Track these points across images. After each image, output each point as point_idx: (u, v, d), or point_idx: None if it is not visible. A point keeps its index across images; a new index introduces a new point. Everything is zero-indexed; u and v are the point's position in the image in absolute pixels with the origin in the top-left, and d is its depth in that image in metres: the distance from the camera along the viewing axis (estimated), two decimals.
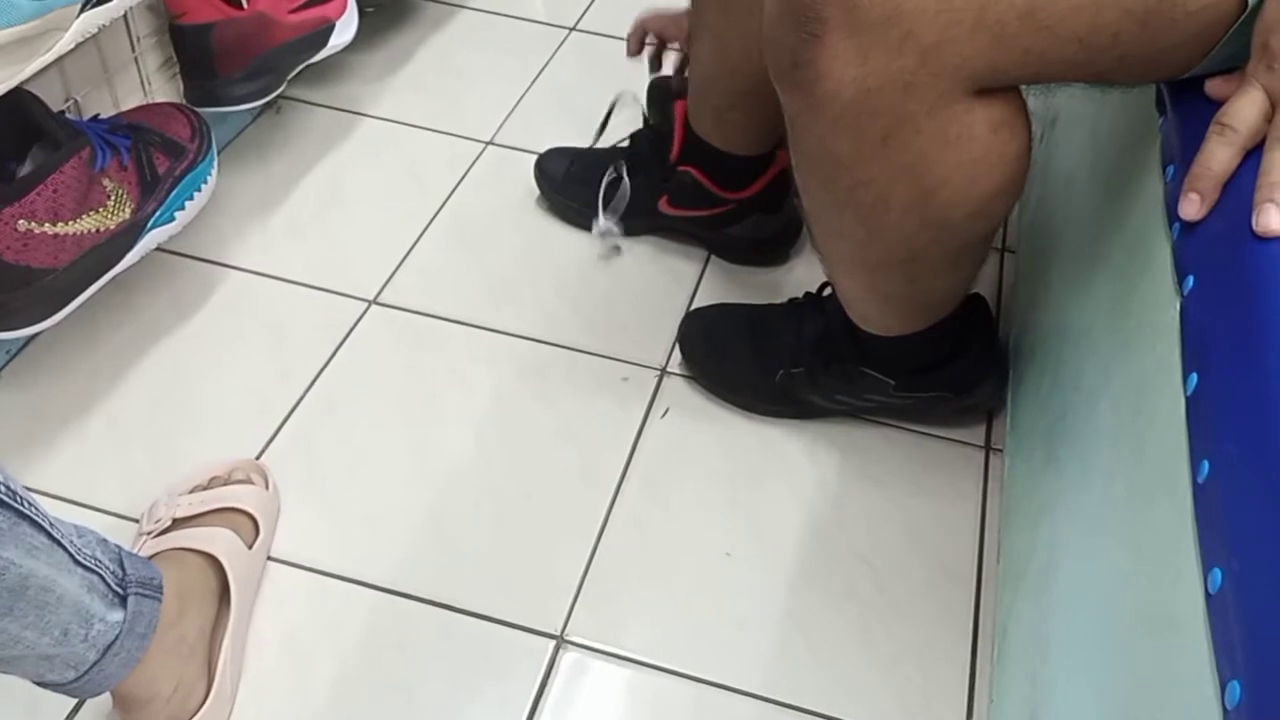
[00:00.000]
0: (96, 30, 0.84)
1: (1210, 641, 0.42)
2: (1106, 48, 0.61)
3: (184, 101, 1.08)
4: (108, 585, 0.66)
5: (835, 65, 0.62)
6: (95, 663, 0.65)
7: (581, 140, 1.20)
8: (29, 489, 0.88)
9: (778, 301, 1.04)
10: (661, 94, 1.09)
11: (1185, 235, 0.57)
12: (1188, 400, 0.51)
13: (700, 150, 1.06)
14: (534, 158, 1.21)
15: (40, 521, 0.60)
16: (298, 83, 1.19)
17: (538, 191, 1.19)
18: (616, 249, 1.15)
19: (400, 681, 0.80)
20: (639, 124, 1.14)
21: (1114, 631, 0.57)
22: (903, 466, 0.97)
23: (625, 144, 1.14)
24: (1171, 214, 0.59)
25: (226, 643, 0.76)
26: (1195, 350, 0.52)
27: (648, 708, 0.80)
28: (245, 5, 1.06)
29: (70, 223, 0.87)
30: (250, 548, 0.82)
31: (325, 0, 1.16)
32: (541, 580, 0.87)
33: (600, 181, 1.11)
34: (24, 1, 0.76)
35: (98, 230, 0.90)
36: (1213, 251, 0.55)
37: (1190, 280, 0.55)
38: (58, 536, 0.61)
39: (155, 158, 0.96)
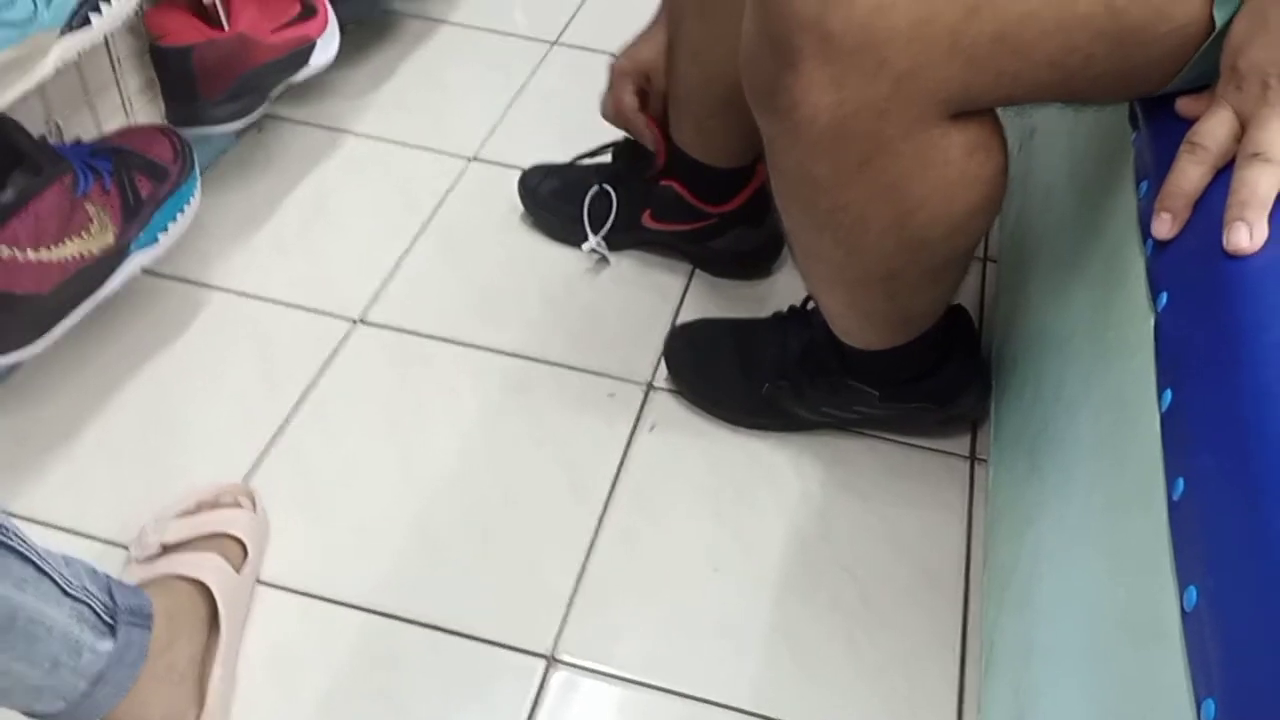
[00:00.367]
0: (77, 55, 0.84)
1: (1186, 659, 0.43)
2: (1078, 70, 0.62)
3: (166, 123, 1.08)
4: (97, 615, 0.66)
5: (811, 92, 0.62)
6: (85, 692, 0.65)
7: (565, 154, 1.20)
8: (17, 515, 0.89)
9: (762, 314, 1.05)
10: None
11: (1158, 252, 0.58)
12: (1163, 416, 0.52)
13: (682, 163, 1.07)
14: (518, 173, 1.21)
15: (28, 554, 0.60)
16: (281, 101, 1.19)
17: (522, 208, 1.20)
18: (604, 261, 1.16)
19: (391, 704, 0.80)
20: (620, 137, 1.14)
21: (1096, 642, 0.58)
22: (888, 478, 0.98)
23: (608, 159, 1.15)
24: (1145, 230, 0.60)
25: (216, 669, 0.76)
26: (1169, 367, 0.53)
27: None
28: (226, 26, 1.06)
29: (53, 248, 0.87)
30: (239, 572, 0.82)
31: (306, 19, 1.16)
32: (530, 599, 0.87)
33: (584, 198, 1.12)
34: (2, 29, 0.76)
35: (81, 255, 0.90)
36: (1185, 268, 0.55)
37: (1164, 296, 0.56)
38: (46, 569, 0.62)
39: (138, 181, 0.96)
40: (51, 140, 0.97)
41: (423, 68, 1.43)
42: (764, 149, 0.74)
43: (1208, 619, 0.42)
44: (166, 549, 0.82)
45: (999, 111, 0.70)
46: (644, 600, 0.88)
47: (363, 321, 1.09)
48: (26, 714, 0.66)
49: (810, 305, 0.96)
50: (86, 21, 0.83)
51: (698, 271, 1.16)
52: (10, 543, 0.59)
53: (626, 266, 1.16)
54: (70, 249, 0.88)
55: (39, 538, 0.79)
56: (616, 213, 1.11)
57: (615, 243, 1.15)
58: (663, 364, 1.05)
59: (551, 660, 0.83)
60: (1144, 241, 0.60)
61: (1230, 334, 0.49)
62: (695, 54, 0.97)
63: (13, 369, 0.99)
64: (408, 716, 0.80)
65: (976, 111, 0.66)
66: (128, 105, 1.08)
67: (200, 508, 0.87)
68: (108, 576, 0.70)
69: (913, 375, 0.93)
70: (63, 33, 0.82)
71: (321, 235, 1.18)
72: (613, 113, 1.08)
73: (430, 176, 1.26)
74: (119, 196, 0.94)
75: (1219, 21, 0.59)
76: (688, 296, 1.14)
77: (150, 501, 0.88)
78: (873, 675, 0.84)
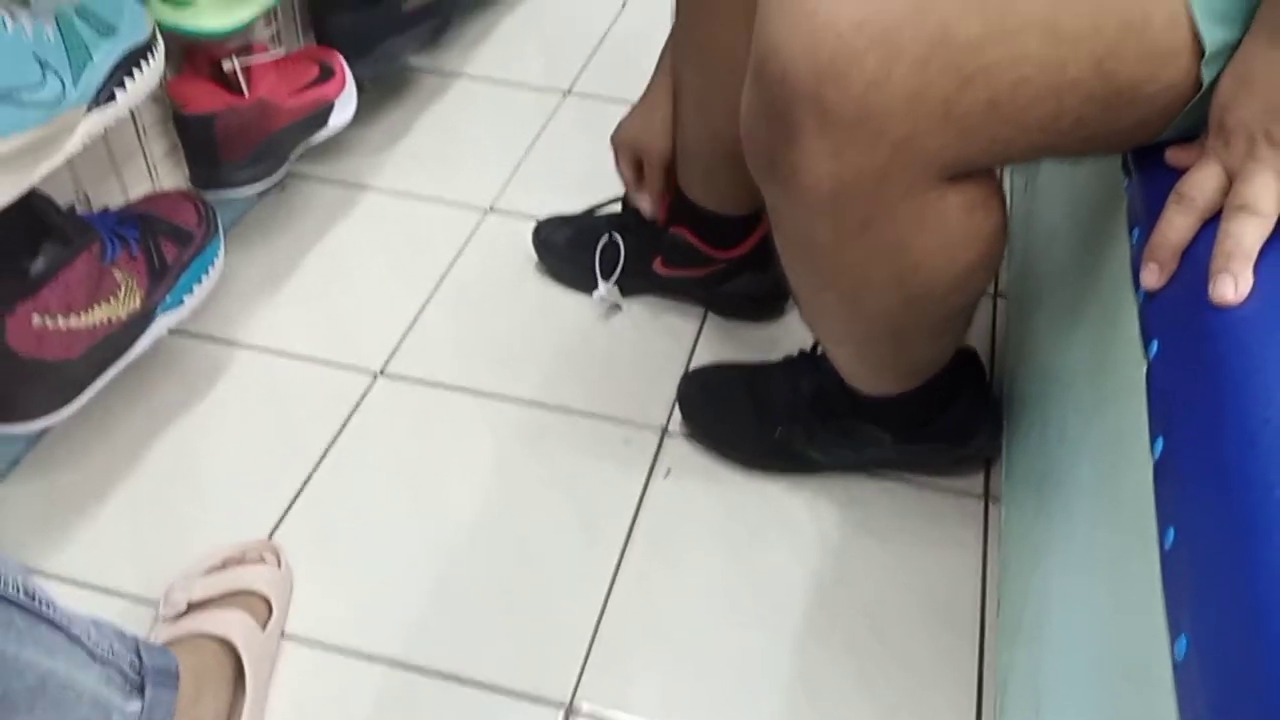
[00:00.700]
0: (103, 131, 0.87)
1: (1177, 708, 0.44)
2: (1070, 131, 0.63)
3: (190, 187, 1.12)
4: (125, 676, 0.68)
5: (811, 162, 0.64)
6: None
7: (579, 203, 1.22)
8: (48, 575, 0.91)
9: (776, 356, 1.06)
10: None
11: (1149, 300, 0.59)
12: (1155, 464, 0.53)
13: (690, 211, 1.09)
14: (533, 222, 1.23)
15: (58, 621, 0.62)
16: (301, 159, 1.23)
17: (536, 257, 1.22)
18: (616, 307, 1.18)
19: None
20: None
21: (1101, 685, 0.58)
22: (903, 518, 0.98)
23: (619, 208, 1.17)
24: (1136, 278, 0.61)
25: None
26: (1161, 415, 0.54)
27: None
28: (246, 92, 1.09)
29: (82, 315, 0.90)
30: (264, 629, 0.84)
31: (324, 81, 1.20)
32: (549, 648, 0.88)
33: (596, 247, 1.14)
34: (31, 109, 0.79)
35: (109, 320, 0.93)
36: (1174, 318, 0.56)
37: (1155, 344, 0.57)
38: (76, 634, 0.64)
39: (163, 246, 0.99)
40: (80, 209, 1.01)
41: (438, 122, 1.46)
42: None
43: (1197, 671, 0.43)
44: (193, 607, 0.84)
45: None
46: (661, 646, 0.89)
47: (383, 374, 1.11)
48: None
49: (820, 350, 0.98)
50: (112, 97, 0.86)
51: (710, 315, 1.18)
52: (41, 610, 0.61)
53: (640, 312, 1.18)
54: (98, 315, 0.91)
55: (69, 596, 0.82)
56: (626, 260, 1.13)
57: (629, 288, 1.17)
58: (677, 409, 1.07)
59: (570, 710, 0.84)
60: (1136, 289, 0.61)
61: (1217, 384, 0.50)
62: (698, 105, 0.99)
63: (44, 432, 1.02)
64: None
65: (973, 171, 0.68)
66: (153, 171, 1.12)
67: (226, 564, 0.89)
68: (135, 637, 0.72)
69: (923, 418, 0.94)
70: (89, 109, 0.85)
71: (342, 290, 1.21)
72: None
73: (447, 229, 1.29)
74: (145, 262, 0.97)
75: (1206, 80, 0.60)
76: (701, 340, 1.16)
77: (177, 559, 0.91)
78: (889, 716, 0.84)
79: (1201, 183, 0.57)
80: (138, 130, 1.10)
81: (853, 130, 0.62)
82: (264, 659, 0.83)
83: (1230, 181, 0.57)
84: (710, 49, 0.94)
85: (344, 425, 1.06)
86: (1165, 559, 0.48)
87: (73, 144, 0.85)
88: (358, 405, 1.08)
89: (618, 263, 1.14)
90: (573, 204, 1.23)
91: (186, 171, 1.13)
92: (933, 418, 0.94)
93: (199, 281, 1.02)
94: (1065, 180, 0.96)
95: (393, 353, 1.14)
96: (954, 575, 0.94)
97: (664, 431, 1.06)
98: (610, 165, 1.13)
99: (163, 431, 1.04)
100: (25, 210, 0.89)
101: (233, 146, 1.09)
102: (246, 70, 1.10)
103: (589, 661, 0.87)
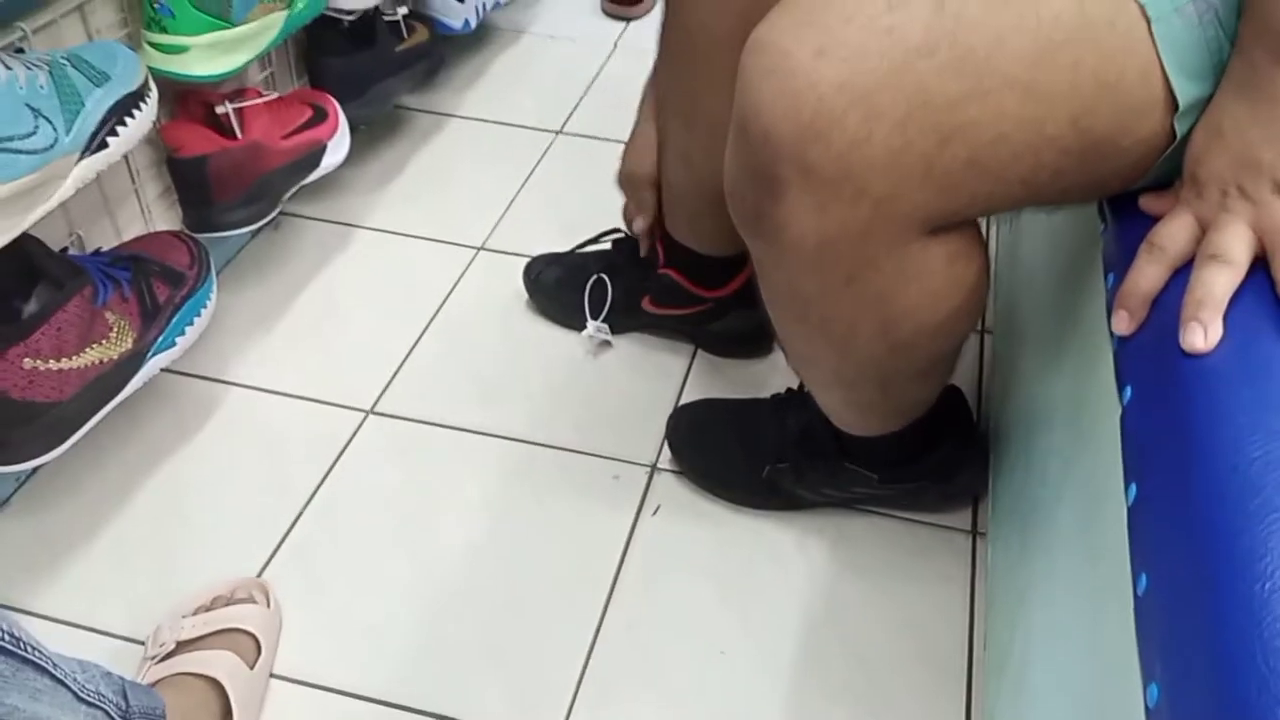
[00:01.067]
0: (95, 176, 0.88)
1: None
2: (1048, 184, 0.64)
3: (183, 228, 1.13)
4: (110, 719, 0.68)
5: (796, 218, 0.65)
6: None
7: (569, 241, 1.24)
8: (36, 614, 0.92)
9: (765, 393, 1.07)
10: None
11: (1123, 346, 0.60)
12: (1129, 510, 0.53)
13: (677, 252, 1.10)
14: (524, 260, 1.25)
15: (43, 664, 0.62)
16: (294, 199, 1.24)
17: (527, 295, 1.23)
18: (606, 345, 1.19)
19: None
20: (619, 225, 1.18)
21: None
22: (891, 555, 0.99)
23: (609, 246, 1.18)
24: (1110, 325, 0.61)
25: None
26: (1134, 461, 0.55)
27: None
28: (239, 135, 1.11)
29: (74, 357, 0.91)
30: (252, 668, 0.84)
31: (317, 124, 1.21)
32: (537, 686, 0.89)
33: (585, 285, 1.15)
34: (24, 156, 0.80)
35: (101, 361, 0.93)
36: (1147, 364, 0.57)
37: (1129, 390, 0.58)
38: (61, 677, 0.64)
39: (156, 287, 1.00)
40: (73, 250, 1.02)
41: (431, 161, 1.47)
42: None
43: (1168, 718, 0.43)
44: (181, 646, 0.84)
45: None
46: (649, 685, 0.89)
47: (374, 412, 1.12)
48: None
49: (807, 389, 0.98)
50: (105, 144, 0.87)
51: (700, 352, 1.19)
52: (26, 654, 0.61)
53: (629, 350, 1.19)
54: (90, 356, 0.92)
55: (57, 636, 0.82)
56: (615, 299, 1.15)
57: (618, 326, 1.18)
58: (666, 445, 1.07)
59: None
60: (1111, 335, 0.62)
61: (1187, 431, 0.51)
62: (683, 157, 1.01)
63: (35, 470, 1.03)
64: None
65: (956, 222, 0.69)
66: (146, 213, 1.13)
67: (215, 603, 0.90)
68: (122, 678, 0.72)
69: (910, 457, 0.94)
70: (82, 156, 0.86)
71: (334, 328, 1.22)
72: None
73: (439, 267, 1.30)
74: (138, 304, 0.98)
75: (1180, 133, 0.61)
76: (690, 377, 1.17)
77: (165, 598, 0.91)
78: None
79: (1174, 233, 0.58)
80: (131, 173, 1.11)
81: (836, 188, 0.63)
82: (252, 698, 0.83)
83: (1202, 231, 0.58)
84: (692, 108, 0.96)
85: (334, 463, 1.06)
86: (1138, 605, 0.49)
87: (65, 190, 0.86)
88: (348, 444, 1.09)
89: (606, 301, 1.15)
90: (563, 243, 1.25)
91: (180, 213, 1.14)
92: (919, 456, 0.95)
93: (191, 323, 1.03)
94: (1045, 225, 0.98)
95: (383, 391, 1.14)
96: (942, 611, 0.94)
97: (653, 468, 1.07)
98: (600, 204, 1.15)
99: (153, 469, 1.05)
100: (17, 253, 0.90)
101: (225, 188, 1.10)
102: (239, 113, 1.11)
103: (577, 699, 0.88)
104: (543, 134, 1.53)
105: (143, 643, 0.89)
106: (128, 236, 1.10)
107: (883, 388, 0.82)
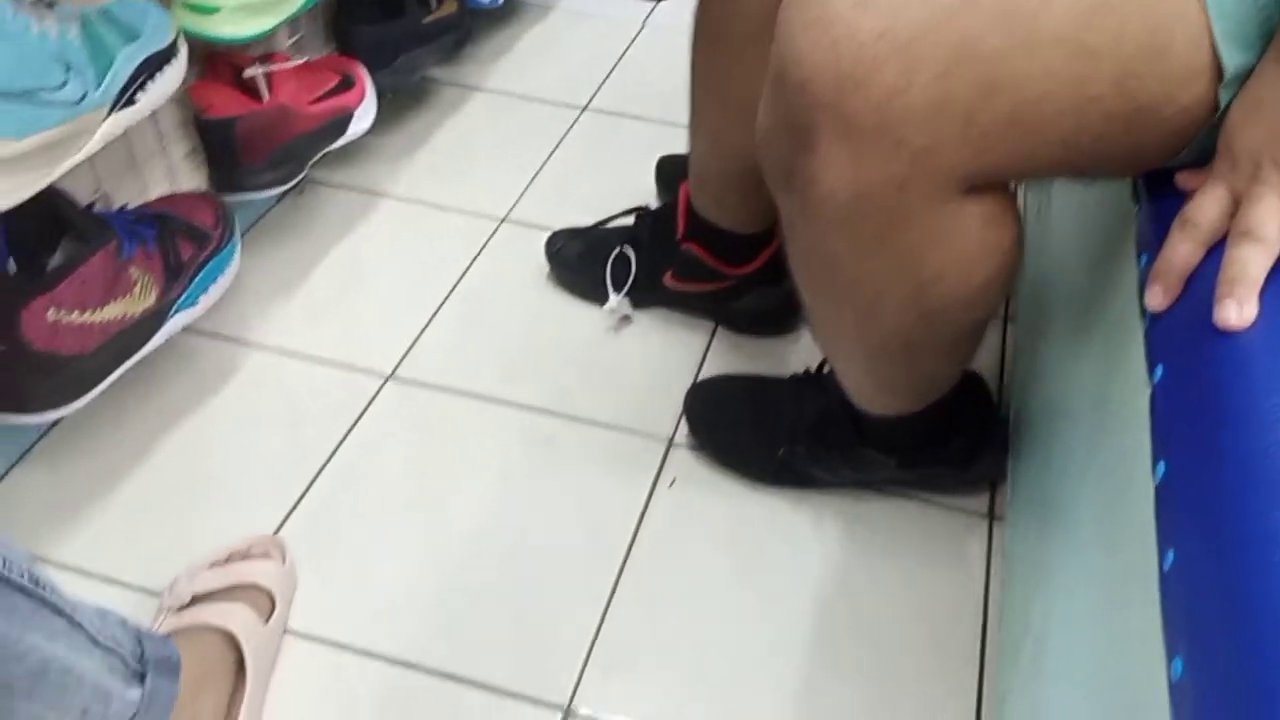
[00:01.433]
0: (123, 132, 0.88)
1: None
2: (1088, 148, 0.63)
3: (209, 188, 1.13)
4: (126, 664, 0.69)
5: (830, 171, 0.64)
6: None
7: (592, 216, 1.23)
8: (56, 564, 0.92)
9: (785, 372, 1.06)
10: (671, 168, 1.12)
11: (1155, 325, 0.59)
12: (1157, 489, 0.53)
13: (702, 228, 1.09)
14: (546, 233, 1.24)
15: (61, 606, 0.63)
16: (319, 165, 1.24)
17: (549, 268, 1.23)
18: (627, 319, 1.19)
19: None
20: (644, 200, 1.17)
21: (1096, 706, 0.58)
22: (908, 536, 0.98)
23: (631, 222, 1.18)
24: (1143, 302, 0.61)
25: (242, 717, 0.79)
26: (1163, 439, 0.54)
27: None
28: (267, 98, 1.11)
29: (97, 311, 0.91)
30: (266, 623, 0.85)
31: (344, 90, 1.21)
32: (550, 650, 0.89)
33: (608, 259, 1.15)
34: (53, 109, 0.80)
35: (123, 316, 0.94)
36: (1179, 343, 0.56)
37: (1160, 369, 0.57)
38: (79, 620, 0.64)
39: (180, 245, 1.00)
40: (99, 207, 1.02)
41: (457, 133, 1.47)
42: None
43: (1191, 691, 0.43)
44: (197, 599, 0.85)
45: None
46: (661, 655, 0.89)
47: (393, 379, 1.12)
48: None
49: (826, 370, 0.98)
50: (133, 100, 0.87)
51: (720, 329, 1.18)
52: (44, 595, 0.62)
53: (650, 324, 1.19)
54: (113, 311, 0.93)
55: (77, 586, 0.83)
56: (638, 273, 1.14)
57: (640, 301, 1.18)
58: (684, 420, 1.07)
59: (569, 713, 0.85)
60: (1142, 314, 0.61)
61: (1219, 409, 0.50)
62: (714, 137, 1.00)
63: (56, 423, 1.03)
64: None
65: (991, 184, 0.68)
66: (173, 172, 1.13)
67: (231, 558, 0.90)
68: (138, 627, 0.72)
69: (928, 442, 0.94)
70: (110, 111, 0.86)
71: (356, 294, 1.22)
72: None
73: (462, 237, 1.30)
74: (161, 260, 0.98)
75: (1222, 103, 0.60)
76: (710, 353, 1.16)
77: (183, 552, 0.91)
78: None
79: (1206, 207, 0.57)
80: (159, 132, 1.11)
81: (872, 139, 0.61)
82: (265, 652, 0.83)
83: (1235, 205, 0.57)
84: (726, 88, 0.95)
85: (352, 427, 1.07)
86: (1164, 580, 0.49)
87: (92, 144, 0.87)
88: (367, 407, 1.09)
89: (629, 275, 1.15)
90: (586, 217, 1.24)
91: (206, 174, 1.14)
92: (938, 442, 0.94)
93: (214, 281, 1.04)
94: (1076, 207, 0.97)
95: (403, 357, 1.14)
96: (957, 594, 0.94)
97: (670, 442, 1.06)
98: (623, 181, 1.14)
99: (173, 426, 1.05)
100: (44, 206, 0.90)
101: (252, 150, 1.10)
102: (268, 77, 1.11)
103: (588, 666, 0.88)
104: (568, 110, 1.52)
105: (159, 595, 0.89)
106: (153, 195, 1.10)
107: (907, 360, 0.81)
